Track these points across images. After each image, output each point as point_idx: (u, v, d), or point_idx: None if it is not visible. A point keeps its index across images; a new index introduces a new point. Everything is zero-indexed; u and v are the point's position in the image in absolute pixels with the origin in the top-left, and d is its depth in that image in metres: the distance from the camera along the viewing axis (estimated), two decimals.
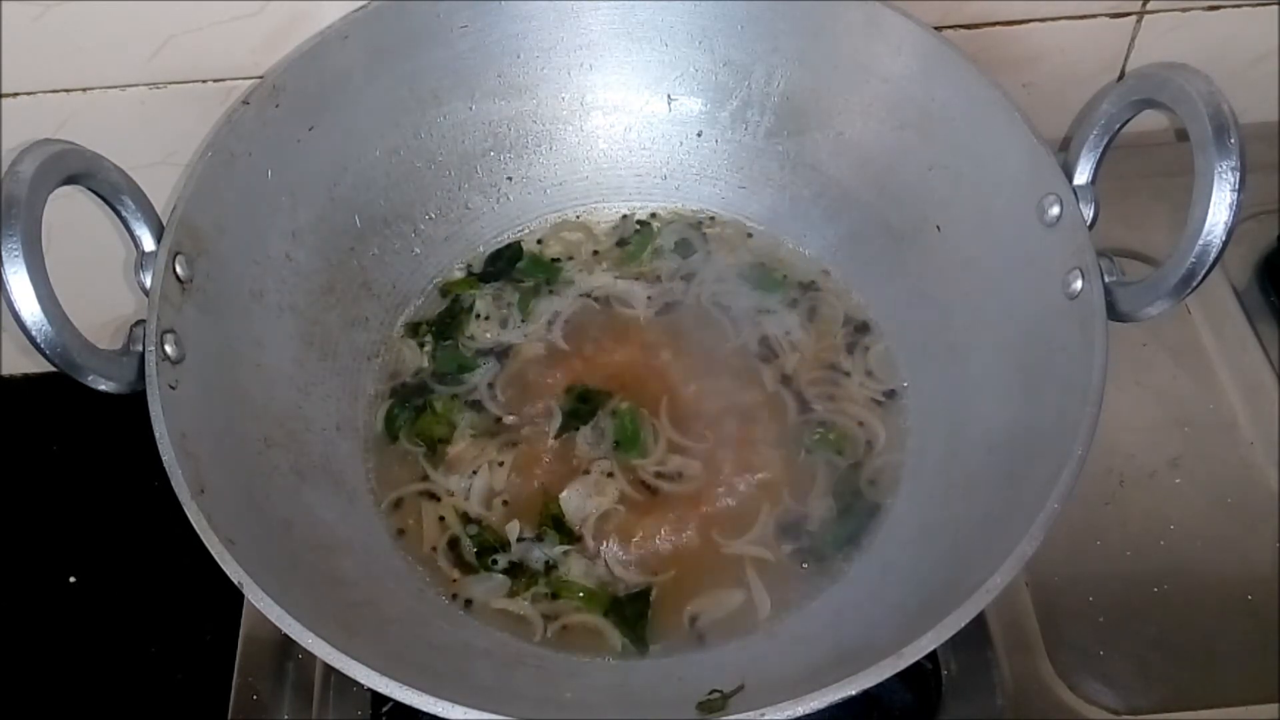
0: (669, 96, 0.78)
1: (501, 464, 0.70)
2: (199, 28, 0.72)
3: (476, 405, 0.72)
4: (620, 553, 0.67)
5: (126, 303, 0.80)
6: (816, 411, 0.72)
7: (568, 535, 0.67)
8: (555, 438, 0.71)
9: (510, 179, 0.79)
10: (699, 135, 0.79)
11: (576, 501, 0.68)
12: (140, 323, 0.58)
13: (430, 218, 0.77)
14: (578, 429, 0.71)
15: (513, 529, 0.67)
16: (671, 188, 0.81)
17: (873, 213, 0.75)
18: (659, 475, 0.69)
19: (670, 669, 0.63)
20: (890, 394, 0.72)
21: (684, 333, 0.75)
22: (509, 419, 0.72)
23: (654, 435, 0.70)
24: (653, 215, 0.81)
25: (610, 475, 0.69)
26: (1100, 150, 0.62)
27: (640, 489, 0.69)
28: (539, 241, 0.80)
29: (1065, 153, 0.63)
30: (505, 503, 0.69)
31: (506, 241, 0.79)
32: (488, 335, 0.76)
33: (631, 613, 0.65)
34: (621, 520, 0.68)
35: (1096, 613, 0.69)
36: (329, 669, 0.60)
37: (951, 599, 0.51)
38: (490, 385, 0.73)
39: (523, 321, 0.76)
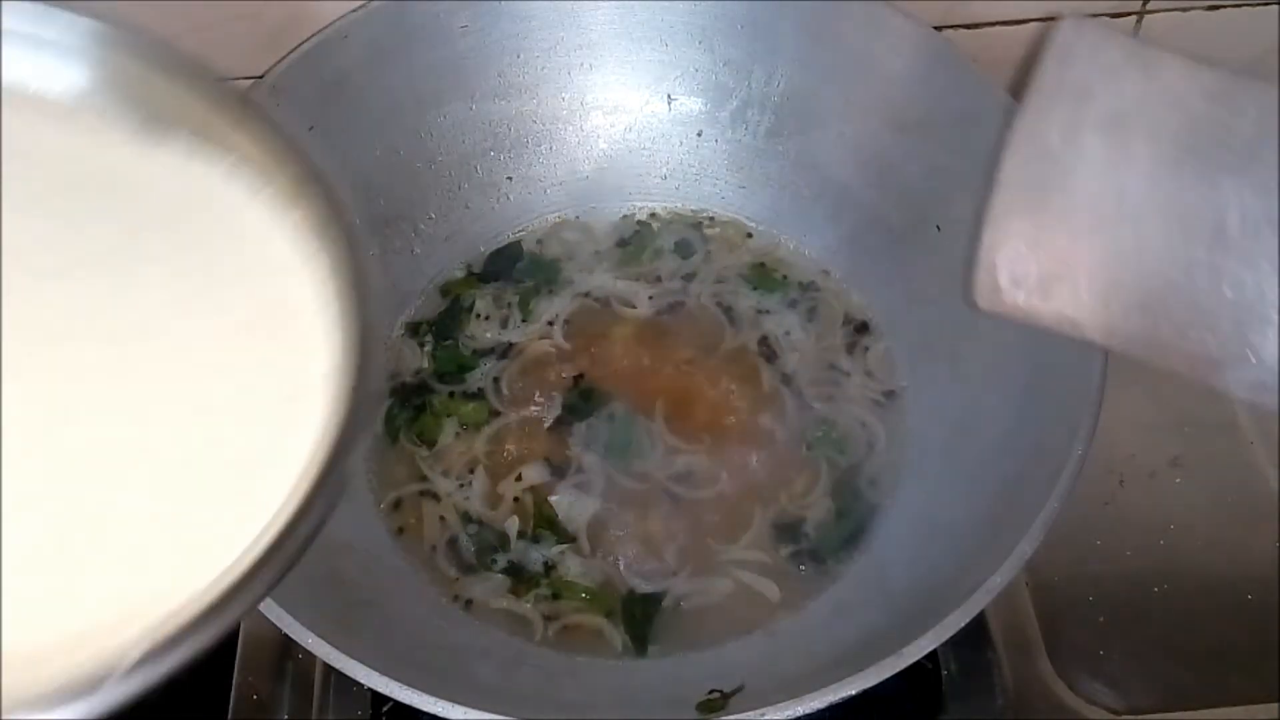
0: (669, 96, 0.78)
1: (492, 454, 0.70)
2: (199, 28, 0.72)
3: (477, 395, 0.73)
4: (620, 554, 0.67)
5: None
6: (816, 411, 0.72)
7: (562, 535, 0.67)
8: (549, 428, 0.71)
9: (510, 179, 0.79)
10: (699, 135, 0.79)
11: (567, 502, 0.68)
12: None
13: (430, 218, 0.77)
14: (572, 425, 0.71)
15: (511, 525, 0.67)
16: (671, 188, 0.81)
17: (873, 213, 0.75)
18: (667, 478, 0.69)
19: (670, 669, 0.63)
20: (890, 394, 0.72)
21: (684, 333, 0.75)
22: (509, 414, 0.72)
23: (650, 439, 0.70)
24: (652, 215, 0.81)
25: (603, 477, 0.69)
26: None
27: (637, 491, 0.69)
28: (539, 241, 0.80)
29: None
30: (516, 499, 0.68)
31: (506, 241, 0.79)
32: (488, 335, 0.76)
33: (640, 614, 0.65)
34: (619, 521, 0.68)
35: (1096, 613, 0.69)
36: (329, 669, 0.60)
37: (951, 599, 0.51)
38: (496, 380, 0.73)
39: (523, 321, 0.76)
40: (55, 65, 0.36)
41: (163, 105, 0.37)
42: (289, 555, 0.30)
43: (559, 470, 0.69)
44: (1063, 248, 0.44)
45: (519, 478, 0.69)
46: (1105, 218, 0.44)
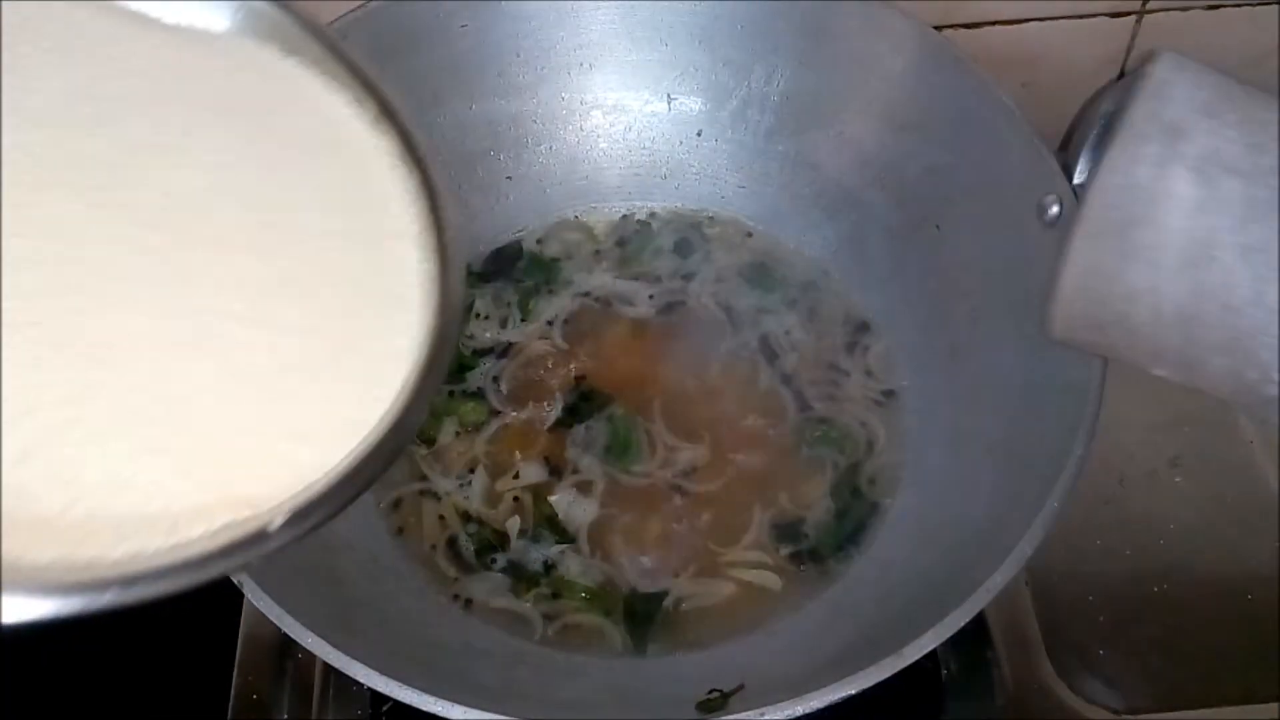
0: (669, 96, 0.78)
1: (491, 453, 0.70)
2: None
3: (477, 395, 0.73)
4: (620, 553, 0.67)
5: None
6: (816, 410, 0.72)
7: (562, 535, 0.67)
8: (549, 430, 0.71)
9: (510, 179, 0.79)
10: (699, 135, 0.79)
11: (566, 503, 0.68)
12: None
13: None
14: (572, 425, 0.71)
15: (513, 524, 0.67)
16: (671, 187, 0.81)
17: (873, 213, 0.75)
18: (667, 478, 0.69)
19: (670, 669, 0.63)
20: (890, 394, 0.72)
21: (684, 333, 0.75)
22: (508, 413, 0.72)
23: (650, 439, 0.70)
24: (652, 215, 0.81)
25: (603, 477, 0.69)
26: (1100, 150, 0.62)
27: (637, 491, 0.69)
28: (539, 241, 0.80)
29: (1065, 152, 0.63)
30: (516, 499, 0.68)
31: (506, 241, 0.79)
32: (487, 335, 0.76)
33: (640, 613, 0.65)
34: (619, 522, 0.68)
35: (1096, 613, 0.69)
36: (329, 669, 0.60)
37: (951, 599, 0.51)
38: (495, 379, 0.73)
39: (522, 321, 0.76)
40: (206, 10, 0.44)
41: (282, 38, 0.44)
42: (402, 437, 0.37)
43: (558, 470, 0.69)
44: (1146, 284, 0.44)
45: (517, 475, 0.69)
46: (1192, 257, 0.43)
